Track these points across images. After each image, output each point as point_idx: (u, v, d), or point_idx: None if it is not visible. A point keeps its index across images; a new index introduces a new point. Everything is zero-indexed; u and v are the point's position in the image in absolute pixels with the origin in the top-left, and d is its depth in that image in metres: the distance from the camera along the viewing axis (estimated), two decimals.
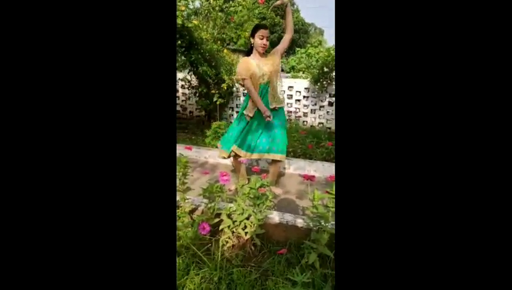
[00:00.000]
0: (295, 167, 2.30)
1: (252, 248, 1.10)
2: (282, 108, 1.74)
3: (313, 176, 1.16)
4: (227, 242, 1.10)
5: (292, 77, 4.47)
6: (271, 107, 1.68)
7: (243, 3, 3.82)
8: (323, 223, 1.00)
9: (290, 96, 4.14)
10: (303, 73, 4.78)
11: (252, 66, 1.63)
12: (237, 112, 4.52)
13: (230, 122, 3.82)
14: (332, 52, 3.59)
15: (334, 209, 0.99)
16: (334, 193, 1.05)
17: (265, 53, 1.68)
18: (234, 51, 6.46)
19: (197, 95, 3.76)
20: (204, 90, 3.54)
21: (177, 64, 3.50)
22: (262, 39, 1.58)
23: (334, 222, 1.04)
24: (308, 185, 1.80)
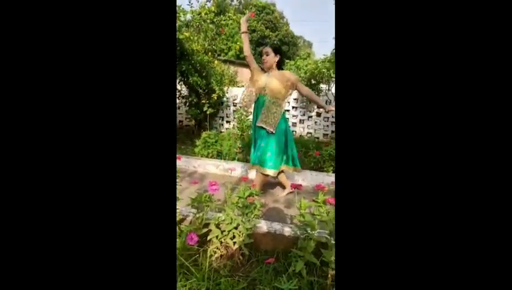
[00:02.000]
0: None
1: (240, 257, 1.11)
2: (266, 131, 1.78)
3: (300, 185, 1.19)
4: (215, 252, 1.10)
5: None
6: (257, 124, 1.80)
7: (234, 17, 3.93)
8: (309, 231, 1.02)
9: None
10: None
11: (258, 76, 1.82)
12: (227, 121, 4.55)
13: (221, 131, 3.84)
14: (320, 65, 3.73)
15: (319, 217, 1.02)
16: (320, 201, 1.08)
17: (274, 69, 1.81)
18: (225, 61, 6.56)
19: (187, 104, 3.77)
20: (195, 100, 3.56)
21: None
22: (262, 56, 1.79)
23: (320, 230, 1.07)
24: (295, 194, 1.83)
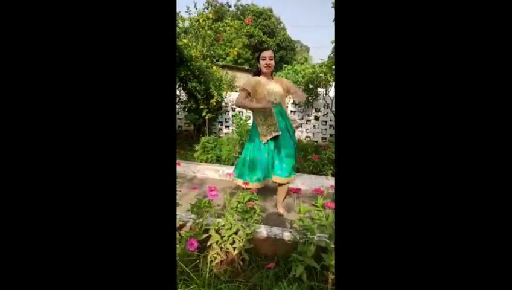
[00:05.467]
0: None
1: (241, 263, 1.11)
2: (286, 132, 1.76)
3: (299, 189, 1.20)
4: (215, 258, 1.10)
5: None
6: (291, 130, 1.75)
7: (231, 23, 3.98)
8: (309, 236, 1.03)
9: None
10: None
11: (259, 84, 1.72)
12: (226, 126, 4.56)
13: (220, 136, 3.85)
14: (317, 69, 3.76)
15: (319, 221, 1.02)
16: (319, 205, 1.09)
17: (273, 75, 1.78)
18: (223, 67, 6.61)
19: (186, 109, 3.79)
20: (194, 105, 3.58)
21: None
22: (264, 60, 1.70)
23: (319, 234, 1.07)
24: (294, 198, 1.83)
